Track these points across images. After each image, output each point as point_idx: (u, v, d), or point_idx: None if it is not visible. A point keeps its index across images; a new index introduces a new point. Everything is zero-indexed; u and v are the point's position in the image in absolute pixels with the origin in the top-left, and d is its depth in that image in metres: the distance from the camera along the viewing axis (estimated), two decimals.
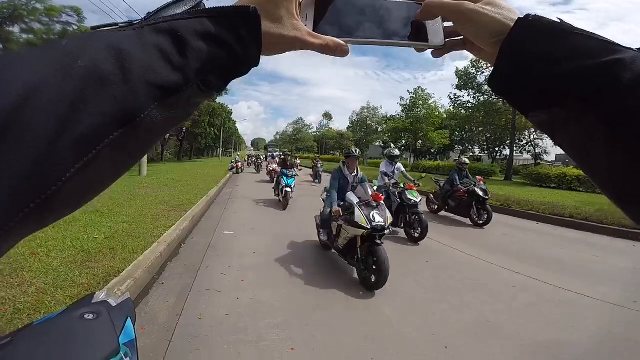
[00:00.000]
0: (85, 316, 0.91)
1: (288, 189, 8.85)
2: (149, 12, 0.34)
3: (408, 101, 34.94)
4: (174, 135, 34.70)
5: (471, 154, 37.43)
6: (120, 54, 0.26)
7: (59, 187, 0.23)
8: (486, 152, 33.09)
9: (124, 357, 0.87)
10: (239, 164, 20.18)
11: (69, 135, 0.22)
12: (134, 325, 1.01)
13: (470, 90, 24.80)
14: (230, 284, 3.69)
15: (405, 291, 3.73)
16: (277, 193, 9.81)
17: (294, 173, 9.73)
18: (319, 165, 17.20)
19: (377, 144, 51.50)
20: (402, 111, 35.97)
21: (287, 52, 0.38)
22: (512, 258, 4.98)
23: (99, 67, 0.24)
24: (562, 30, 0.31)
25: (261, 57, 0.35)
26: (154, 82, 0.27)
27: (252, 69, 0.36)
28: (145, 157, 14.86)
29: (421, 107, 34.17)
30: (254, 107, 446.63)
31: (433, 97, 34.70)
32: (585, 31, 0.30)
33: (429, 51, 0.42)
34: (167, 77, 0.28)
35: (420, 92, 34.56)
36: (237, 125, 73.31)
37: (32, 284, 2.89)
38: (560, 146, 0.32)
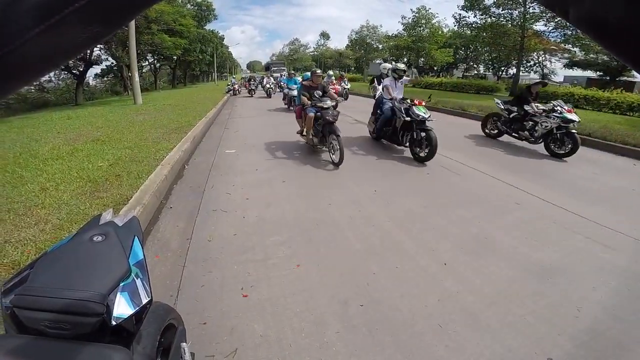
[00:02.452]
0: (95, 238, 0.92)
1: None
2: None
3: (410, 20, 33.87)
4: (166, 64, 35.50)
5: (476, 72, 37.82)
6: None
7: (16, 47, 0.22)
8: (491, 70, 33.24)
9: (135, 278, 0.90)
10: (235, 86, 21.02)
11: None
12: (141, 244, 1.03)
13: (477, 12, 23.75)
14: (236, 202, 3.76)
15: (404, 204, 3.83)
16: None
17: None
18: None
19: (377, 61, 51.97)
20: (404, 30, 34.79)
21: None
22: (512, 173, 4.90)
23: None
24: None
25: None
26: None
27: None
28: (138, 86, 14.57)
29: (424, 26, 33.37)
30: (247, 30, 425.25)
31: (437, 17, 33.69)
32: None
33: None
34: None
35: (423, 11, 33.16)
36: (230, 49, 72.56)
37: (48, 221, 2.98)
38: (575, 23, 0.25)
